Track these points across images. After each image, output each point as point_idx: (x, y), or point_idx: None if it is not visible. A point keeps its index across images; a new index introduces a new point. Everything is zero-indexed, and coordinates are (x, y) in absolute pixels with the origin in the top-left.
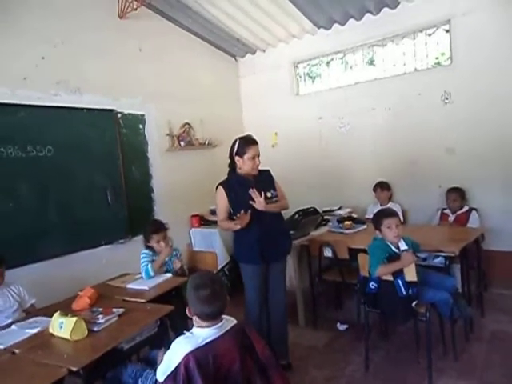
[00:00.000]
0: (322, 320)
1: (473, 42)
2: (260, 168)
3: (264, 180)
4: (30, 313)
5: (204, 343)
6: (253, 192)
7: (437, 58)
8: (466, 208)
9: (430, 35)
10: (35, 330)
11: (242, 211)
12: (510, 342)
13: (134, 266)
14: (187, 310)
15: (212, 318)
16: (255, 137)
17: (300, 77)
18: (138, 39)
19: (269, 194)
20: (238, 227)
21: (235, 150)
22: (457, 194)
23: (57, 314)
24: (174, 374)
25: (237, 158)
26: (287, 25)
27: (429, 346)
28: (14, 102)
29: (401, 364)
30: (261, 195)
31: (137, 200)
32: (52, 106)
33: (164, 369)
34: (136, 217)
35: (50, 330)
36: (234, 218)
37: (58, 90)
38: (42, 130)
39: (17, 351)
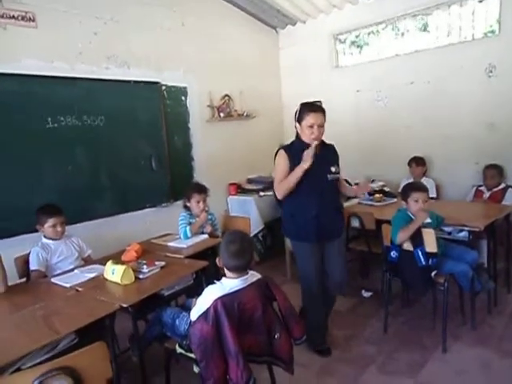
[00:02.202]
0: (348, 287)
1: None
2: (326, 141)
3: (328, 153)
4: (87, 261)
5: (231, 291)
6: (310, 151)
7: (487, 28)
8: (502, 185)
9: (480, 1)
10: (93, 275)
11: (310, 149)
12: None
13: (175, 228)
14: (217, 260)
15: (238, 270)
16: (322, 104)
17: (344, 43)
18: (180, 13)
19: (333, 169)
20: (307, 165)
21: (296, 116)
22: (495, 171)
23: (109, 263)
24: (205, 315)
25: (296, 125)
26: None
27: (445, 312)
28: (72, 76)
29: (418, 329)
30: (326, 167)
31: (178, 167)
32: (103, 79)
33: (197, 310)
34: (177, 183)
35: (105, 275)
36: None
37: (109, 64)
38: (95, 102)
39: (80, 289)
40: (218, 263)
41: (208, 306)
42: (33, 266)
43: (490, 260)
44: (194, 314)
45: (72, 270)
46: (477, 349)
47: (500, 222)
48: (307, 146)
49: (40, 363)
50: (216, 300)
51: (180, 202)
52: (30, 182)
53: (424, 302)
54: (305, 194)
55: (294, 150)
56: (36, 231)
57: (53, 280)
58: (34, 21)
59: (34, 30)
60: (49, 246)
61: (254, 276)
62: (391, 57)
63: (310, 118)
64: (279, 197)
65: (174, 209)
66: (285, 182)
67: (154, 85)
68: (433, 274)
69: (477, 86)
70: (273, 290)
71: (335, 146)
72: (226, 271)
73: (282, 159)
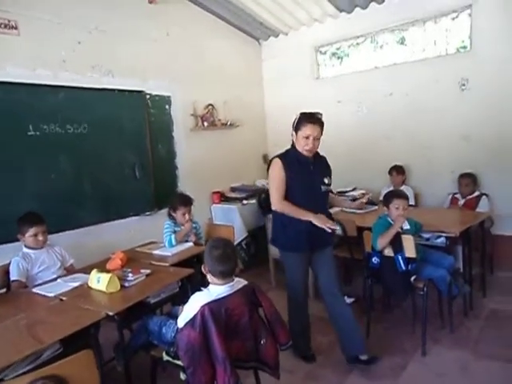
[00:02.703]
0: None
1: (493, 28)
2: (320, 153)
3: (321, 165)
4: (69, 271)
5: (218, 298)
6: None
7: (460, 44)
8: (476, 193)
9: (453, 19)
10: (77, 284)
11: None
12: (506, 320)
13: (159, 237)
14: (203, 267)
15: (224, 275)
16: (321, 116)
17: (324, 54)
18: (165, 24)
19: (326, 181)
20: (319, 225)
21: (294, 124)
22: (469, 180)
23: (94, 271)
24: (192, 321)
25: (293, 133)
26: (310, 8)
27: (424, 317)
28: (56, 84)
29: (399, 333)
30: (320, 178)
31: (162, 176)
32: (87, 87)
33: (184, 317)
34: (161, 192)
35: (89, 284)
36: (288, 198)
37: (93, 73)
38: (78, 110)
39: (64, 298)
40: (203, 270)
41: (195, 312)
42: (13, 277)
43: (466, 265)
44: (181, 321)
45: (55, 279)
46: (455, 351)
47: (475, 228)
48: (302, 155)
49: (23, 373)
50: (203, 306)
51: (163, 211)
52: (11, 191)
53: (404, 307)
54: (299, 205)
55: (289, 159)
56: (17, 240)
57: (34, 290)
58: (16, 28)
59: (17, 38)
60: (29, 255)
61: (240, 283)
62: (371, 69)
63: (307, 130)
64: (274, 208)
65: (158, 217)
66: (289, 210)
67: (138, 93)
68: (412, 278)
69: (451, 99)
70: (259, 297)
71: (327, 159)
72: (211, 278)
73: (277, 168)
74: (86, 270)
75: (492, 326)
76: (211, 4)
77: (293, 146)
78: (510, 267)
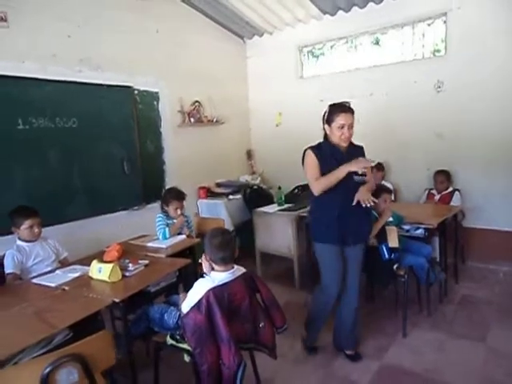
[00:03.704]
0: (316, 284)
1: (466, 34)
2: (355, 143)
3: (357, 155)
4: (64, 263)
5: (220, 284)
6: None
7: (434, 48)
8: (450, 189)
9: (429, 25)
10: (77, 274)
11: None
12: (476, 304)
13: (147, 231)
14: (203, 256)
15: (224, 262)
16: (351, 105)
17: (304, 55)
18: (154, 20)
19: (360, 171)
20: (353, 169)
21: (325, 117)
22: (443, 176)
23: (95, 261)
24: (197, 305)
25: (325, 127)
26: (294, 9)
27: (405, 302)
28: (46, 78)
29: (382, 319)
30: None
31: (150, 171)
32: (77, 81)
33: (188, 302)
34: (149, 186)
35: (90, 274)
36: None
37: (82, 67)
38: (68, 104)
39: (66, 288)
40: (204, 259)
41: (200, 297)
42: (8, 269)
43: (442, 254)
44: (186, 307)
45: (52, 271)
46: (432, 333)
47: (449, 220)
48: (334, 147)
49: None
50: (208, 291)
51: (151, 206)
52: (0, 184)
53: (386, 295)
54: (328, 194)
55: (322, 150)
56: (7, 234)
57: (34, 281)
58: (5, 20)
59: (6, 30)
60: (24, 248)
61: (239, 270)
62: (353, 70)
63: (341, 119)
64: (316, 192)
65: (146, 212)
66: (324, 180)
67: (127, 89)
68: (395, 266)
69: (428, 100)
70: (257, 283)
71: (364, 148)
72: (213, 266)
73: (312, 158)
74: (83, 262)
75: (464, 309)
76: (199, 2)
77: (325, 138)
78: (480, 257)
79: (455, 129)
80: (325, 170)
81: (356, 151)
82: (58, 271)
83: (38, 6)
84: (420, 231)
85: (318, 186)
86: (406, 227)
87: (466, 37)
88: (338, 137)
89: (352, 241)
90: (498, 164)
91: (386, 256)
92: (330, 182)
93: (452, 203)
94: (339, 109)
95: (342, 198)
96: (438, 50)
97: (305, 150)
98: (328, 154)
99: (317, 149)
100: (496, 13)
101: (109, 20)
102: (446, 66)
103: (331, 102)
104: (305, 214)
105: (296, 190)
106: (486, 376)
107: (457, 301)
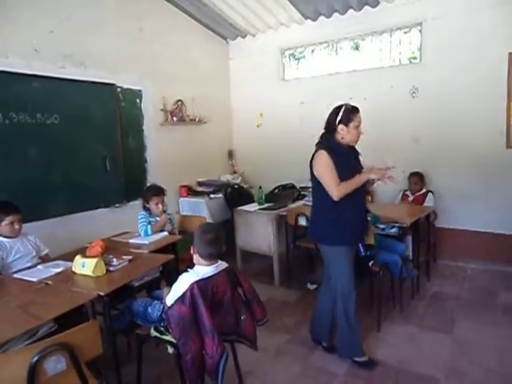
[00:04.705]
0: (294, 281)
1: (439, 44)
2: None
3: (357, 155)
4: (45, 260)
5: (205, 277)
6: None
7: (411, 56)
8: (424, 190)
9: (405, 33)
10: (59, 269)
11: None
12: (445, 300)
13: (128, 228)
14: (191, 248)
15: (212, 257)
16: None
17: (286, 58)
18: (139, 19)
19: (361, 170)
20: (375, 177)
21: (339, 117)
22: (417, 178)
23: (78, 256)
24: (181, 298)
25: (340, 127)
26: (277, 13)
27: (380, 297)
28: (28, 73)
29: (357, 313)
30: (359, 167)
31: (132, 169)
32: (59, 77)
33: (173, 295)
34: (131, 184)
35: (73, 269)
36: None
37: (65, 63)
38: (49, 100)
39: (49, 282)
40: (191, 252)
41: (184, 290)
42: None
43: (414, 252)
44: (170, 300)
45: (34, 266)
46: (404, 326)
47: (422, 220)
48: (344, 147)
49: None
50: (192, 284)
51: (133, 203)
52: None
53: (360, 292)
54: (345, 197)
55: (334, 151)
56: None
57: (16, 276)
58: None
59: None
60: (4, 244)
61: (222, 265)
62: (333, 74)
63: (358, 118)
64: (336, 197)
65: (127, 210)
66: (347, 186)
67: (110, 86)
68: (370, 263)
69: (404, 105)
70: (239, 277)
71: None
72: (198, 260)
73: (326, 158)
74: (64, 258)
75: (434, 305)
76: (183, 2)
77: (333, 139)
78: (450, 256)
79: (429, 133)
80: (341, 170)
81: (355, 151)
82: (39, 266)
83: (20, 1)
84: (394, 230)
85: (339, 192)
86: (382, 226)
87: (440, 46)
88: (354, 136)
89: (357, 240)
90: (468, 167)
91: (363, 253)
92: (351, 189)
93: (425, 204)
94: (355, 109)
95: (356, 201)
96: (415, 58)
97: (315, 151)
98: (341, 155)
99: (329, 149)
100: (468, 24)
101: (92, 17)
102: (420, 73)
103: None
104: (284, 213)
105: (276, 190)
106: (452, 365)
107: (428, 297)
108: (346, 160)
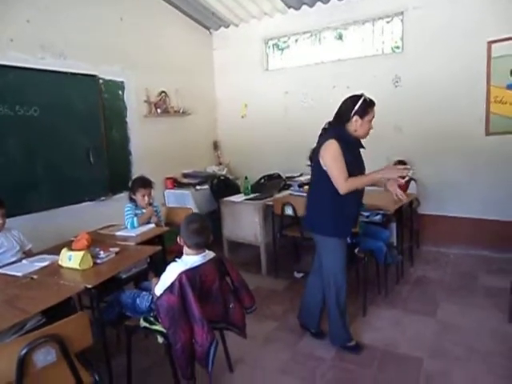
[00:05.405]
0: (281, 270)
1: (421, 33)
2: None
3: (360, 147)
4: (28, 255)
5: (193, 266)
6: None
7: (394, 45)
8: (407, 178)
9: (388, 22)
10: (45, 263)
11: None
12: (428, 284)
13: (114, 221)
14: (178, 239)
15: (198, 246)
16: None
17: (269, 47)
18: (119, 8)
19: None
20: (389, 177)
21: (355, 108)
22: (400, 166)
23: (65, 249)
24: (170, 288)
25: (355, 118)
26: (260, 2)
27: (365, 283)
28: (3, 63)
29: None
30: (363, 164)
31: (116, 161)
32: (39, 68)
33: (161, 285)
34: (115, 177)
35: (59, 262)
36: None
37: (44, 54)
38: (29, 91)
39: (35, 277)
40: (178, 241)
41: (173, 279)
42: None
43: (398, 239)
44: (159, 290)
45: (18, 261)
46: (389, 310)
47: (405, 207)
48: (354, 138)
49: None
50: (181, 274)
51: (118, 196)
52: None
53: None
54: (354, 191)
55: (344, 141)
56: None
57: (0, 271)
58: None
59: None
60: None
61: (210, 254)
62: (316, 63)
63: (373, 113)
64: (343, 191)
65: (112, 203)
66: (356, 182)
67: (91, 77)
68: (356, 250)
69: (387, 94)
70: (227, 266)
71: None
72: (186, 250)
73: (336, 148)
74: (49, 252)
75: (417, 289)
76: None
77: (343, 130)
78: (432, 242)
79: (411, 122)
80: (349, 163)
81: (361, 144)
82: (24, 261)
83: None
84: (378, 217)
85: (347, 187)
86: (366, 213)
87: (421, 35)
88: (367, 129)
89: (351, 232)
90: (449, 155)
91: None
92: (361, 186)
93: (408, 191)
94: (372, 103)
95: (359, 196)
96: (397, 47)
97: (327, 139)
98: (349, 144)
99: (339, 139)
100: (448, 13)
101: (71, 6)
102: (403, 62)
103: (352, 94)
104: (271, 203)
105: (262, 180)
106: (435, 346)
107: (411, 281)
108: (355, 153)
